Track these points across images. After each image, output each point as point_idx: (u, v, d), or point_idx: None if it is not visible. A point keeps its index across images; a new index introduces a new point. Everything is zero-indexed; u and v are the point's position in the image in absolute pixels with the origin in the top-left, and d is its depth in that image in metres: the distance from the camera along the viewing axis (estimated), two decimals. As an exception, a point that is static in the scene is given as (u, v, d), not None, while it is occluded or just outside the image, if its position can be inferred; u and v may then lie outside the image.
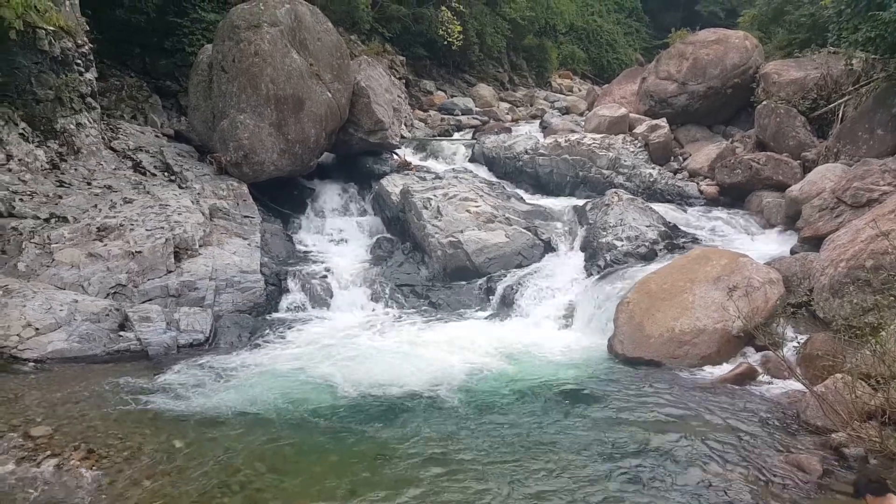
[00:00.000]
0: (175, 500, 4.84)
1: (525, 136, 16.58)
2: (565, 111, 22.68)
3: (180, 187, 11.00)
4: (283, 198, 12.66)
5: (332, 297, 10.06)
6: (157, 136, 12.91)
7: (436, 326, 9.15)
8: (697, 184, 13.36)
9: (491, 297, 10.02)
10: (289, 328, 9.06)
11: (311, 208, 13.00)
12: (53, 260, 8.62)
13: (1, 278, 8.19)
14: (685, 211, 12.45)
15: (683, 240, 10.77)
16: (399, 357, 7.92)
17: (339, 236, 12.47)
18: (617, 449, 5.67)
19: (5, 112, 9.81)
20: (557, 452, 5.63)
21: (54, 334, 7.68)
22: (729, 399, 6.70)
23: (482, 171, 15.12)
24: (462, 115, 21.80)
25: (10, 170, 9.60)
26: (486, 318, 9.52)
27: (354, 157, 14.12)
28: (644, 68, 18.16)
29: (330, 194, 13.45)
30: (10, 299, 7.84)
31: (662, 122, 14.85)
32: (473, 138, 18.01)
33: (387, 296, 10.25)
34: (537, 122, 20.43)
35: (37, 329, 7.66)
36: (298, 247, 11.79)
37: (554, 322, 9.24)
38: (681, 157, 14.60)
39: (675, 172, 14.02)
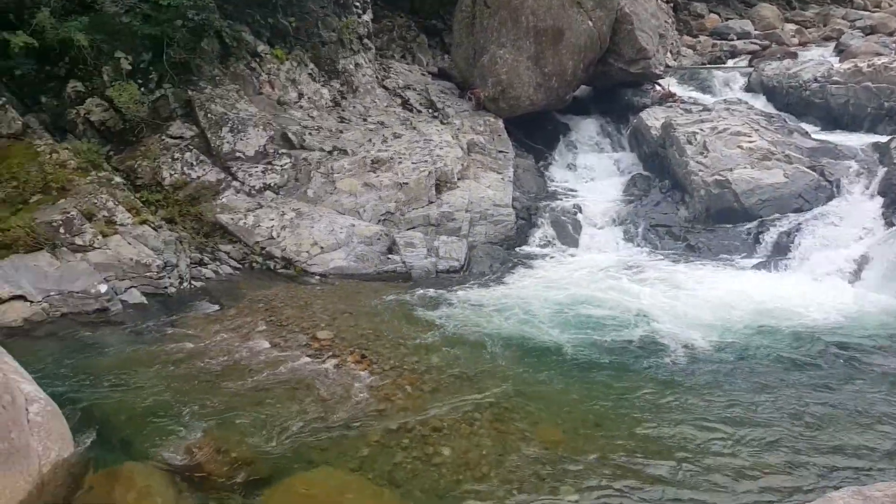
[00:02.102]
0: (430, 404, 5.24)
1: (815, 61, 14.44)
2: (869, 31, 19.22)
3: (442, 123, 11.55)
4: (536, 133, 12.65)
5: (581, 234, 9.91)
6: (422, 74, 13.65)
7: (693, 272, 8.53)
8: None
9: (761, 244, 9.04)
10: (537, 262, 9.14)
11: (564, 144, 12.80)
12: (335, 188, 9.67)
13: (295, 202, 9.43)
14: None
15: None
16: (649, 300, 7.56)
17: (591, 173, 12.15)
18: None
19: (298, 55, 11.09)
20: (843, 427, 4.96)
21: (335, 253, 8.68)
22: None
23: (759, 103, 13.53)
24: (737, 39, 19.62)
25: (301, 107, 10.90)
26: (753, 266, 8.63)
27: (612, 89, 13.52)
28: None
29: (584, 129, 13.11)
30: (301, 221, 9.02)
31: None
32: (750, 65, 16.18)
33: (639, 236, 9.80)
34: (831, 44, 17.66)
35: (321, 248, 8.73)
36: (550, 182, 11.75)
37: (839, 276, 8.06)
38: None
39: None
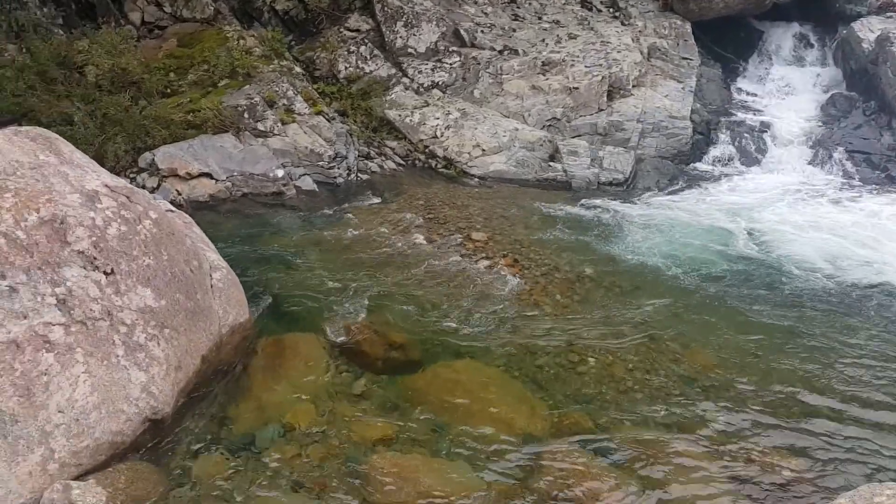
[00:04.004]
0: (579, 314, 5.14)
1: None
2: None
3: (623, 24, 10.75)
4: (727, 40, 11.38)
5: (765, 154, 9.01)
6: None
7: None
8: None
9: None
10: (711, 181, 8.48)
11: (758, 53, 11.46)
12: (502, 90, 9.44)
13: (461, 102, 9.35)
14: None
15: None
16: (838, 233, 6.77)
17: (785, 88, 10.85)
18: None
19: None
20: None
21: (496, 156, 8.58)
22: None
23: None
24: None
25: (476, 2, 10.58)
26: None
27: (824, -8, 11.75)
28: None
29: (782, 38, 11.60)
30: (465, 121, 8.95)
31: None
32: None
33: (833, 161, 8.73)
34: None
35: (483, 150, 8.65)
36: (736, 95, 10.67)
37: None
38: None
39: None
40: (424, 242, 6.43)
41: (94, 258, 3.57)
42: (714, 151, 9.11)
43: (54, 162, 3.94)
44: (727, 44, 11.40)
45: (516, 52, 9.86)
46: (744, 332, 5.03)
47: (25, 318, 3.26)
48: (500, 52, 9.90)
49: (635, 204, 7.58)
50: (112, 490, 3.13)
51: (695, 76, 9.99)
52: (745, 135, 9.17)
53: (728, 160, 8.99)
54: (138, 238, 3.84)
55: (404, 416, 3.97)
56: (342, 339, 4.71)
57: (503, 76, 9.50)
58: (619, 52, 9.69)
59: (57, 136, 4.34)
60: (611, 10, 11.30)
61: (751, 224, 6.99)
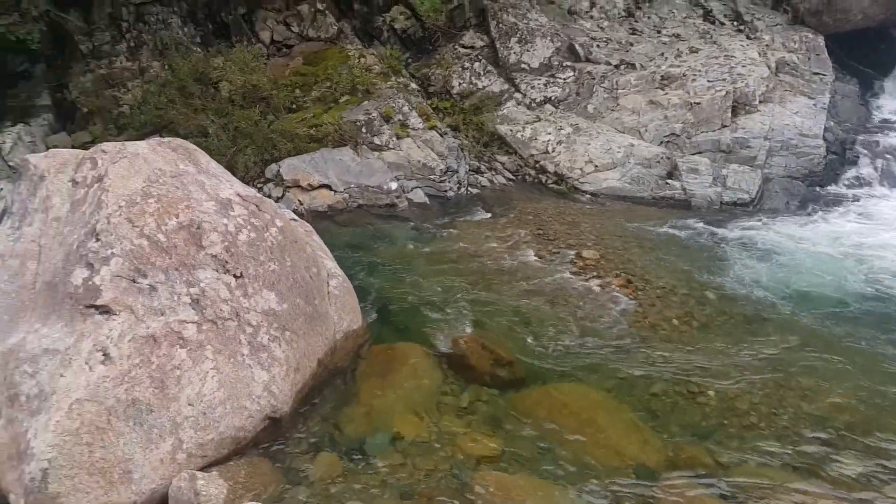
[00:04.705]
0: (698, 341, 4.89)
1: None
2: None
3: (748, 38, 10.25)
4: (865, 53, 10.59)
5: (911, 177, 8.26)
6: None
7: None
8: None
9: None
10: (846, 205, 7.87)
11: (903, 68, 10.58)
12: (617, 104, 9.24)
13: (574, 117, 9.23)
14: None
15: None
16: None
17: (936, 106, 9.94)
18: None
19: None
20: None
21: (609, 173, 8.38)
22: None
23: None
24: None
25: (592, 17, 10.45)
26: None
27: None
28: None
29: (931, 51, 10.66)
30: (578, 136, 8.82)
31: None
32: None
33: None
34: None
35: (595, 166, 8.48)
36: (875, 113, 9.89)
37: None
38: None
39: None
40: (534, 258, 6.37)
41: (226, 262, 3.79)
42: (851, 173, 8.46)
43: (192, 171, 4.22)
44: (865, 58, 10.60)
45: (633, 67, 9.62)
46: (880, 374, 4.59)
47: (163, 315, 3.50)
48: (617, 66, 9.71)
49: (761, 227, 7.16)
50: (232, 483, 3.29)
51: (828, 92, 9.35)
52: (887, 155, 8.46)
53: (866, 183, 8.32)
54: (265, 245, 4.04)
55: (510, 434, 3.92)
56: (449, 351, 4.73)
57: (619, 91, 9.30)
58: (744, 66, 9.25)
59: (195, 146, 4.66)
60: (735, 23, 10.82)
61: (893, 256, 6.41)
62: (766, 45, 9.93)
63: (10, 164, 8.07)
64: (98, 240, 3.52)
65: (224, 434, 3.47)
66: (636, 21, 10.62)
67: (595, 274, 5.99)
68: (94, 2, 9.38)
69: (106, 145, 4.11)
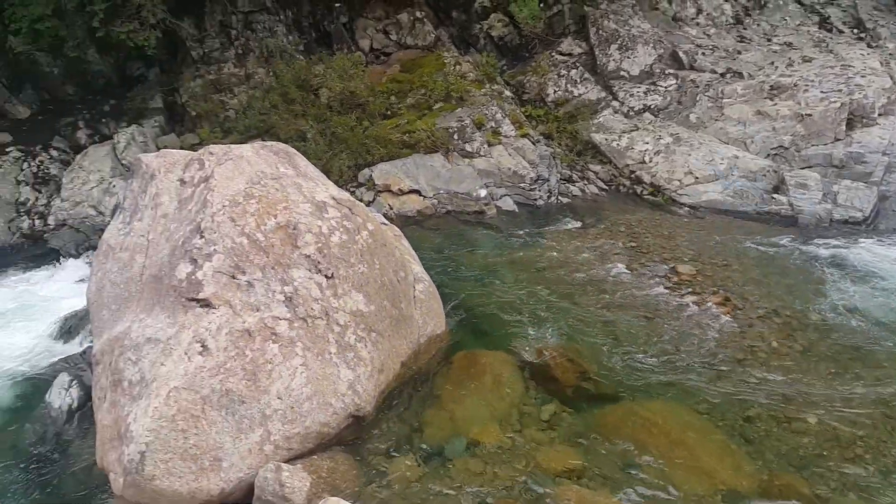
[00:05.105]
0: (799, 365, 4.58)
1: None
2: None
3: (869, 46, 9.59)
4: None
5: None
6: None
7: None
8: None
9: None
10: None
11: None
12: (722, 114, 8.85)
13: (674, 127, 8.92)
14: None
15: None
16: None
17: None
18: None
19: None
20: None
21: (710, 185, 8.04)
22: None
23: None
24: None
25: (698, 24, 10.08)
26: None
27: None
28: None
29: None
30: (678, 147, 8.51)
31: None
32: None
33: None
34: None
35: (695, 177, 8.15)
36: None
37: None
38: None
39: None
40: (625, 271, 6.19)
41: (319, 262, 3.90)
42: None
43: (291, 174, 4.38)
44: None
45: (740, 76, 9.20)
46: None
47: (258, 310, 3.64)
48: (722, 74, 9.32)
49: (876, 248, 6.65)
50: (315, 477, 3.37)
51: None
52: None
53: None
54: (356, 247, 4.13)
55: (593, 450, 3.82)
56: (533, 361, 4.67)
57: (724, 100, 8.91)
58: (863, 76, 8.64)
59: (295, 150, 4.84)
60: (855, 31, 10.14)
61: None
62: (890, 55, 9.25)
63: (123, 162, 8.68)
64: (202, 237, 3.71)
65: (309, 429, 3.56)
66: (745, 28, 10.16)
67: (690, 290, 5.75)
68: (207, 10, 9.95)
69: (213, 147, 4.33)
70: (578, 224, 7.61)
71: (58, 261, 7.87)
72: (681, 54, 9.52)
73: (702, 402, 4.23)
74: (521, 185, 8.22)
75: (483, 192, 8.06)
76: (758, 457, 3.76)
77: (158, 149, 8.31)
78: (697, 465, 3.67)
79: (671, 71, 9.42)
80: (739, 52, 9.67)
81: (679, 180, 8.16)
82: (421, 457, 3.69)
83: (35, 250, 8.29)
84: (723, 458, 3.74)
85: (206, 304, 3.56)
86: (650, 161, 8.45)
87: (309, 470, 3.41)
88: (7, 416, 4.82)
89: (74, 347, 5.48)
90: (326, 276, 3.90)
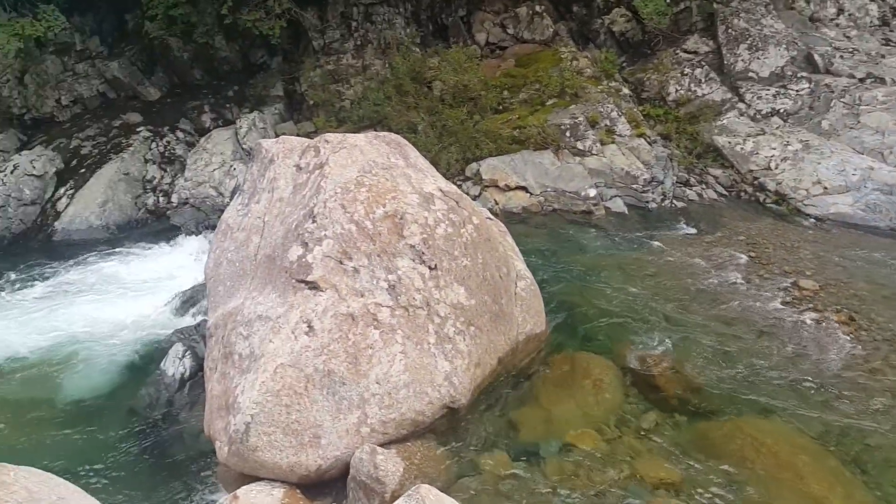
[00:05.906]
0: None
1: None
2: None
3: None
4: None
5: None
6: None
7: None
8: None
9: None
10: None
11: None
12: (858, 122, 8.20)
13: (804, 133, 8.35)
14: None
15: None
16: None
17: None
18: None
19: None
20: None
21: (841, 196, 7.46)
22: None
23: None
24: None
25: (837, 25, 9.37)
26: None
27: None
28: None
29: None
30: (807, 154, 7.96)
31: None
32: None
33: None
34: None
35: (825, 188, 7.60)
36: None
37: None
38: None
39: None
40: (741, 282, 5.87)
41: (423, 253, 3.95)
42: None
43: (401, 164, 4.46)
44: None
45: (882, 81, 8.47)
46: None
47: (362, 296, 3.74)
48: (862, 80, 8.61)
49: None
50: (408, 463, 3.42)
51: None
52: None
53: None
54: (460, 240, 4.15)
55: (695, 464, 3.65)
56: (636, 368, 4.52)
57: (861, 107, 8.24)
58: None
59: (406, 141, 4.92)
60: None
61: None
62: None
63: (244, 146, 9.17)
64: (314, 221, 3.85)
65: (405, 416, 3.63)
66: (891, 31, 9.33)
67: (812, 306, 5.37)
68: (330, 1, 10.31)
69: (329, 136, 4.48)
70: (693, 230, 7.29)
71: (178, 237, 8.39)
72: (816, 57, 8.88)
73: (816, 425, 3.95)
74: (634, 186, 7.97)
75: (592, 192, 7.89)
76: (875, 487, 3.47)
77: (277, 135, 8.72)
78: (806, 490, 3.44)
79: (804, 74, 8.80)
80: (883, 56, 8.89)
81: (806, 190, 7.63)
82: (514, 454, 3.66)
83: (158, 226, 8.91)
84: (836, 485, 3.48)
85: (314, 286, 3.70)
86: (776, 168, 7.95)
87: (402, 455, 3.47)
88: (125, 380, 5.23)
89: (189, 320, 5.86)
90: (430, 267, 3.95)
